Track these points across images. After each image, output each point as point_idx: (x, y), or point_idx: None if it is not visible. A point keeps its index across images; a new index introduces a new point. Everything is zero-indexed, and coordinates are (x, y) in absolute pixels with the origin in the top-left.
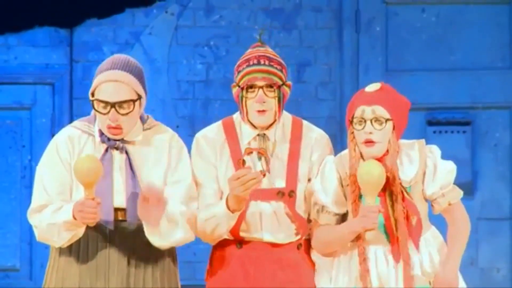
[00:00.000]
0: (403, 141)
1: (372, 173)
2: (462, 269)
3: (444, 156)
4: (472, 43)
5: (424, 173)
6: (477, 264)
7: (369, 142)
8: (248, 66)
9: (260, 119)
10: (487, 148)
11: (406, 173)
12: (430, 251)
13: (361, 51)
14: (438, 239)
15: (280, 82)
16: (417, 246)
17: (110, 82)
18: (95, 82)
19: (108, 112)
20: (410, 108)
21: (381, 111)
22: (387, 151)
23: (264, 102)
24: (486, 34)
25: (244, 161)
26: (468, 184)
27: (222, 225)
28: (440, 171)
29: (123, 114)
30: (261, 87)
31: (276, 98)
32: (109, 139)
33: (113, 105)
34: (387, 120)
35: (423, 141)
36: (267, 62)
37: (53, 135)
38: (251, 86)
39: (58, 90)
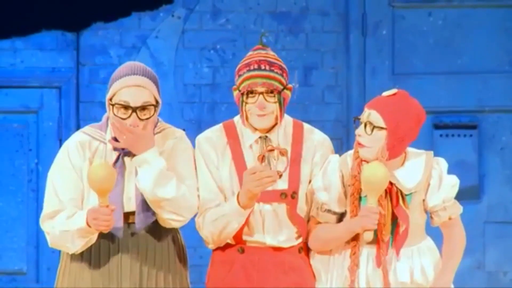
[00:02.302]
0: (411, 149)
1: (375, 174)
2: (469, 273)
3: (451, 160)
4: (479, 47)
5: (429, 184)
6: (484, 268)
7: (358, 143)
8: (249, 71)
9: (260, 122)
10: (493, 152)
11: (409, 181)
12: (423, 261)
13: (368, 55)
14: (434, 253)
15: (281, 87)
16: (398, 253)
17: (132, 87)
18: (114, 87)
19: (129, 117)
20: (421, 122)
21: (375, 117)
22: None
23: (264, 108)
24: (493, 38)
25: (264, 157)
26: (475, 188)
27: (231, 224)
28: (445, 184)
29: (143, 119)
30: (261, 92)
31: (277, 103)
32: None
33: (134, 109)
34: (377, 127)
35: (431, 152)
36: (267, 67)
37: (60, 139)
38: (252, 91)
39: (64, 94)
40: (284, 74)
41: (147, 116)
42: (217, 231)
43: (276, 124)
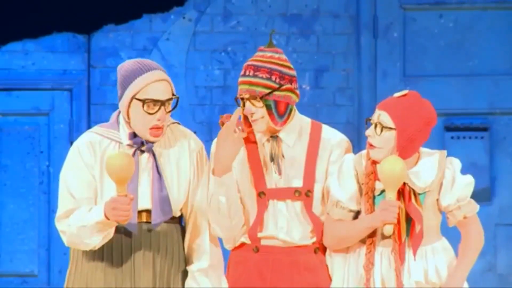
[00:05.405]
0: (424, 149)
1: (394, 168)
2: (481, 275)
3: (462, 162)
4: (490, 49)
5: (441, 184)
6: (495, 270)
7: (369, 144)
8: (240, 76)
9: (255, 126)
10: (505, 154)
11: (422, 180)
12: (437, 261)
13: (379, 57)
14: (449, 252)
15: (266, 91)
16: (415, 253)
17: (160, 81)
18: (138, 84)
19: (156, 111)
20: (432, 123)
21: (385, 118)
22: None
23: (252, 113)
24: (504, 40)
25: (223, 123)
26: (486, 190)
27: (216, 197)
28: (458, 183)
29: (168, 112)
30: (248, 99)
31: (264, 107)
32: (142, 142)
33: (163, 103)
34: (386, 128)
35: (444, 152)
36: (251, 73)
37: (71, 141)
38: (242, 98)
39: (76, 96)
40: (274, 77)
41: (169, 109)
42: (214, 212)
43: (285, 123)
